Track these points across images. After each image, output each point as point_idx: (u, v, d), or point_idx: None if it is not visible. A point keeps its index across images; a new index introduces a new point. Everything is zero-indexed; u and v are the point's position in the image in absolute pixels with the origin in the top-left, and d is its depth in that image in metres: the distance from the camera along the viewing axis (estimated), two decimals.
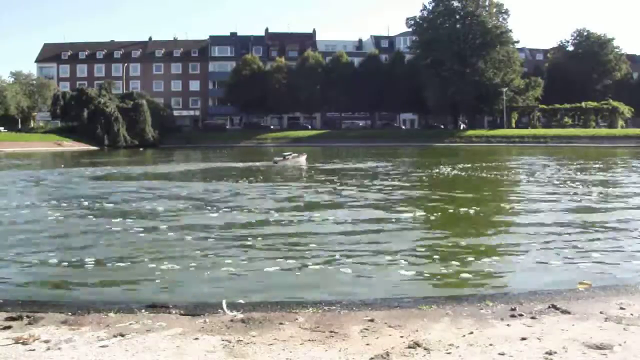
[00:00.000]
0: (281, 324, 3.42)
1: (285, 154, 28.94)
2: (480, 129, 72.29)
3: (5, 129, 66.42)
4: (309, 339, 3.12)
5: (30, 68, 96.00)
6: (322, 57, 79.89)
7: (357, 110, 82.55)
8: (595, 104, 73.18)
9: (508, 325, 3.37)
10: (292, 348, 2.98)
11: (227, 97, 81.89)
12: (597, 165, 24.72)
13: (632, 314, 3.56)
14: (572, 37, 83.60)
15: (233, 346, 3.02)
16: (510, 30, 71.25)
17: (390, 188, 15.43)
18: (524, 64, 75.93)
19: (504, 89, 69.38)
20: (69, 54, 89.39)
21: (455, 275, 5.61)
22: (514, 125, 73.65)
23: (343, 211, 10.47)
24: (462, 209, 10.18)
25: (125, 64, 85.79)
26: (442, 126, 78.68)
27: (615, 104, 72.55)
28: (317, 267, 5.98)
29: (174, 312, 3.74)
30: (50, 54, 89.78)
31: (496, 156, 36.50)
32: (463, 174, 20.62)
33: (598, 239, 7.46)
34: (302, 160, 28.61)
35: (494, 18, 71.15)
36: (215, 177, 20.40)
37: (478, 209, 10.41)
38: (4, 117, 69.72)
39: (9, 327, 3.34)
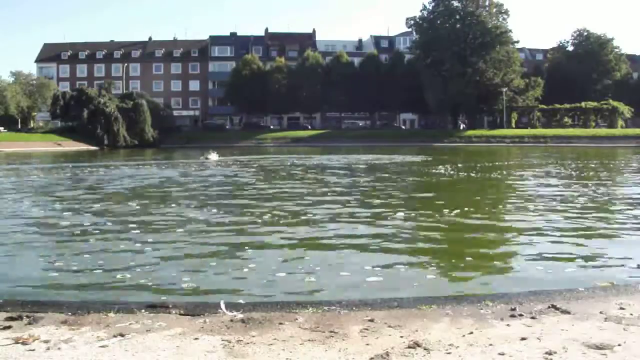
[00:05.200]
0: (281, 324, 3.42)
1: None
2: (480, 129, 72.33)
3: (5, 129, 66.45)
4: (309, 339, 3.12)
5: (30, 68, 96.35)
6: (322, 57, 79.93)
7: (357, 110, 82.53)
8: (595, 104, 73.24)
9: (508, 325, 3.37)
10: (292, 348, 2.98)
11: (227, 97, 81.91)
12: (597, 165, 24.71)
13: (632, 314, 3.56)
14: (572, 37, 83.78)
15: (233, 346, 3.02)
16: (510, 30, 71.39)
17: (391, 187, 15.43)
18: (524, 64, 75.96)
19: (504, 89, 69.42)
20: (68, 54, 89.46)
21: (455, 275, 5.61)
22: (513, 125, 73.68)
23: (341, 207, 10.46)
24: (461, 209, 10.17)
25: (125, 64, 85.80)
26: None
27: (615, 104, 72.60)
28: (316, 265, 5.97)
29: (173, 312, 3.74)
30: (50, 53, 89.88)
31: (496, 156, 36.50)
32: (462, 174, 20.62)
33: (599, 239, 7.46)
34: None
35: (494, 18, 71.20)
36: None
37: (477, 209, 10.41)
38: (4, 117, 69.75)
39: (8, 327, 3.34)
